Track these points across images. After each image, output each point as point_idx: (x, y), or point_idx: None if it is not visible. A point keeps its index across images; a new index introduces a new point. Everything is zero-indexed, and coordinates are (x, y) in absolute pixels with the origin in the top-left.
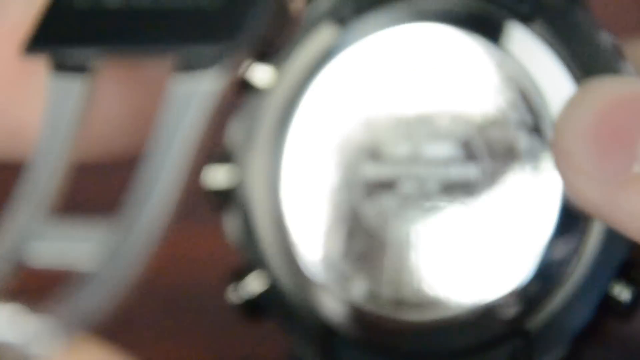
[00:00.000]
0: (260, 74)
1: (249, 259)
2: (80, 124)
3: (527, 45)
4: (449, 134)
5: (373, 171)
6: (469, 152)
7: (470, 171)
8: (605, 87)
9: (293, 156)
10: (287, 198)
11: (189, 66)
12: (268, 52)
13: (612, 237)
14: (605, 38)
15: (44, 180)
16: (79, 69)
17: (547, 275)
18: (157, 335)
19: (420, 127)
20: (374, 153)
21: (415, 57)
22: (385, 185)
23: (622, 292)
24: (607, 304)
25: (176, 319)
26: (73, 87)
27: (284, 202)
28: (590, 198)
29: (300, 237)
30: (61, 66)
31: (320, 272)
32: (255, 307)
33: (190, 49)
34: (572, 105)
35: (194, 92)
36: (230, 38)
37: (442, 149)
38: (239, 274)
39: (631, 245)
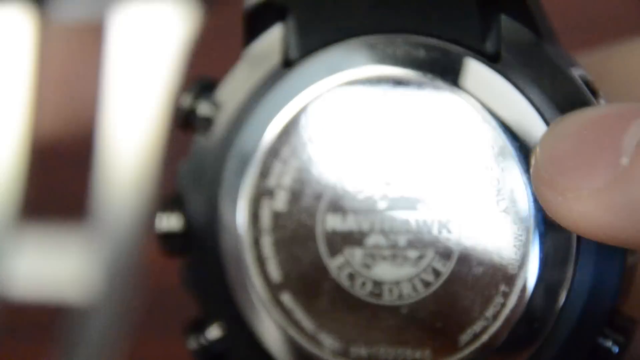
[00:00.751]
0: (204, 109)
1: (212, 307)
2: None
3: (491, 87)
4: (417, 184)
5: (337, 223)
6: (437, 204)
7: (438, 224)
8: (584, 112)
9: (247, 203)
10: (250, 245)
11: None
12: (211, 85)
13: (599, 285)
14: (577, 73)
15: None
16: None
17: (529, 327)
18: (148, 334)
19: (385, 178)
20: (334, 203)
21: (373, 104)
22: (350, 238)
23: (611, 342)
24: (595, 354)
25: (168, 318)
26: None
27: (247, 250)
28: (584, 213)
29: (265, 290)
30: None
31: (287, 326)
32: (217, 357)
33: None
34: (555, 125)
35: None
36: None
37: (409, 201)
38: (199, 323)
39: (618, 292)
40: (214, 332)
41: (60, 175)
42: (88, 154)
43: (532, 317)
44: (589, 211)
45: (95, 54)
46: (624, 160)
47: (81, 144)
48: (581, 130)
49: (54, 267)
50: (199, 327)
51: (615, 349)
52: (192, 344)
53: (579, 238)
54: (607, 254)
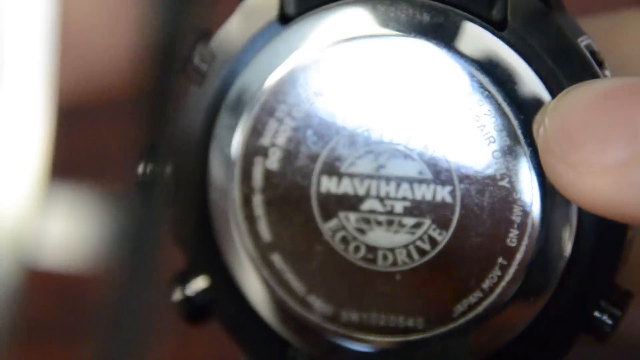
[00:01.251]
0: (198, 60)
1: (198, 259)
2: None
3: (495, 55)
4: (415, 150)
5: (332, 186)
6: (436, 172)
7: (437, 192)
8: (595, 84)
9: (239, 160)
10: (241, 203)
11: None
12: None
13: (598, 259)
14: (584, 43)
15: None
16: None
17: (526, 300)
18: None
19: (383, 142)
20: (330, 166)
21: (374, 68)
22: (344, 202)
23: (607, 316)
24: (591, 327)
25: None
26: None
27: (238, 208)
28: (598, 189)
29: (254, 249)
30: None
31: (276, 286)
32: (201, 309)
33: None
34: (564, 96)
35: None
36: None
37: (408, 167)
38: (185, 275)
39: (617, 266)
40: (198, 283)
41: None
42: None
43: (529, 291)
44: (602, 187)
45: None
46: None
47: None
48: (594, 103)
49: (85, 233)
50: (185, 279)
51: (611, 322)
52: (177, 295)
53: (579, 212)
54: (607, 228)
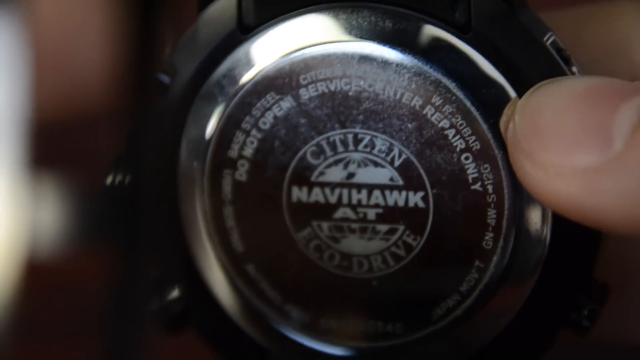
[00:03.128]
0: (164, 68)
1: (172, 270)
2: None
3: (460, 58)
4: (385, 157)
5: (302, 196)
6: (407, 178)
7: (409, 198)
8: (566, 82)
9: (208, 173)
10: (212, 215)
11: None
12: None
13: (575, 256)
14: (549, 41)
15: None
16: None
17: (504, 301)
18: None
19: (352, 150)
20: (301, 177)
21: (339, 76)
22: (316, 211)
23: (586, 311)
24: (570, 324)
25: None
26: None
27: (209, 220)
28: (565, 192)
29: (228, 261)
30: None
31: (251, 296)
32: (177, 319)
33: None
34: (535, 93)
35: None
36: None
37: (378, 174)
38: (161, 284)
39: (594, 262)
40: (173, 293)
41: None
42: None
43: (508, 291)
44: (571, 190)
45: None
46: (617, 144)
47: None
48: (566, 104)
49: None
50: (160, 288)
51: (590, 316)
52: (153, 304)
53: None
54: (583, 226)
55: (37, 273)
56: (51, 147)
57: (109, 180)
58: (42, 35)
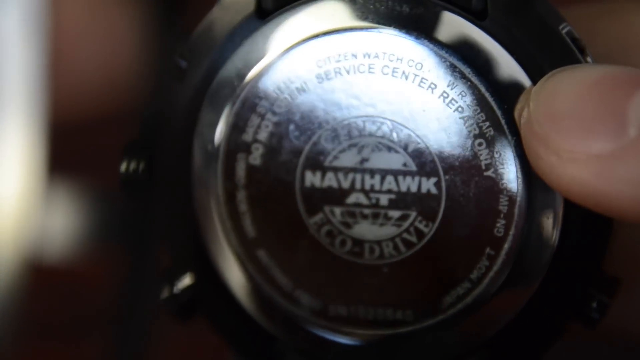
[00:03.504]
0: (181, 52)
1: (183, 257)
2: None
3: (476, 45)
4: (399, 143)
5: (316, 181)
6: (420, 164)
7: (422, 184)
8: (581, 69)
9: (222, 156)
10: (225, 200)
11: None
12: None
13: (586, 245)
14: (564, 30)
15: None
16: None
17: (514, 290)
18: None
19: (366, 135)
20: (315, 161)
21: (355, 61)
22: (329, 196)
23: (595, 303)
24: (580, 314)
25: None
26: None
27: (222, 204)
28: (578, 177)
29: (239, 246)
30: None
31: (262, 282)
32: (187, 307)
33: None
34: (550, 79)
35: None
36: None
37: (392, 160)
38: (171, 272)
39: (605, 252)
40: (184, 281)
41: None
42: None
43: (518, 280)
44: (583, 176)
45: None
46: (631, 131)
47: None
48: (582, 90)
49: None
50: (171, 276)
51: (599, 309)
52: (164, 293)
53: (566, 199)
54: (594, 214)
55: (47, 275)
56: (64, 149)
57: (124, 167)
58: (60, 37)
